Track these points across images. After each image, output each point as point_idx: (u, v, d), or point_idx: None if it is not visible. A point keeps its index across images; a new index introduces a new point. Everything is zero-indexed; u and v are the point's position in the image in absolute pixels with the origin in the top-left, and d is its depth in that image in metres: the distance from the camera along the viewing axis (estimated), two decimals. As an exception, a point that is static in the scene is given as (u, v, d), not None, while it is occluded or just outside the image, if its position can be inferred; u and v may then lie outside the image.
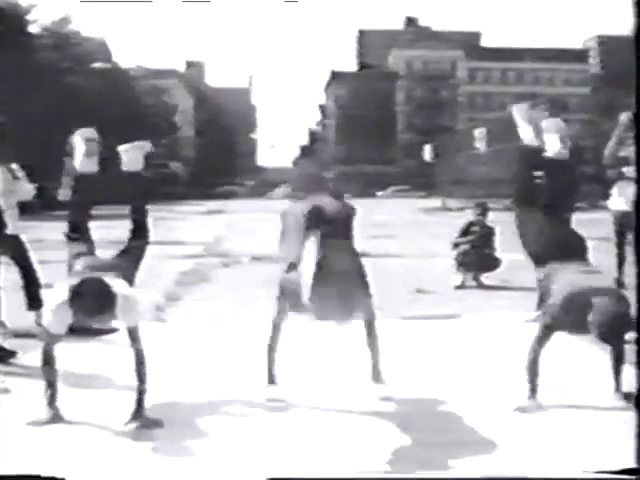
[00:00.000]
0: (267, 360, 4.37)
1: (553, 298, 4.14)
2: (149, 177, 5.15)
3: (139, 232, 4.79)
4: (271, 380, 4.37)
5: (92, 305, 3.77)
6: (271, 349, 4.36)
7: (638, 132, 3.83)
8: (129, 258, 4.63)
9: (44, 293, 6.15)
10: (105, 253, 4.69)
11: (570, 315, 3.98)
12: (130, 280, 4.39)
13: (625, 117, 6.11)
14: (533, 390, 4.13)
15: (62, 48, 42.16)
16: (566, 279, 4.15)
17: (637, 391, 3.65)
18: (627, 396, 4.08)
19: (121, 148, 4.91)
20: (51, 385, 3.96)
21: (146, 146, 5.01)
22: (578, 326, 3.98)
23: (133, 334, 4.00)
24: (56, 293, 3.94)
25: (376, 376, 4.44)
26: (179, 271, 10.15)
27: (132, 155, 4.89)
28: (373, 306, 4.33)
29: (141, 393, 3.96)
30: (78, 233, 4.64)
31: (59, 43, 42.13)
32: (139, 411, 3.93)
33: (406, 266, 10.90)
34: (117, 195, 5.09)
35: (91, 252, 4.57)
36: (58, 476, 3.15)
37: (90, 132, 4.85)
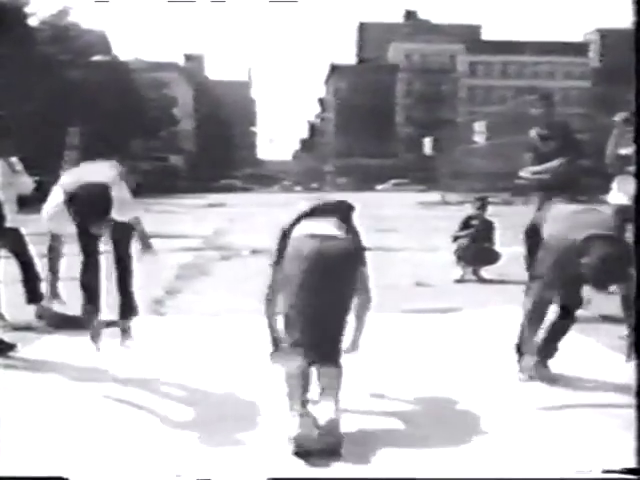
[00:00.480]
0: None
1: (545, 254, 4.12)
2: None
3: None
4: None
5: (88, 210, 4.01)
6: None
7: (638, 126, 3.82)
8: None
9: (42, 286, 6.18)
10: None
11: (565, 267, 3.94)
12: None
13: (620, 118, 6.13)
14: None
15: (61, 41, 42.07)
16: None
17: (637, 388, 3.61)
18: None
19: None
20: (54, 274, 4.41)
21: None
22: (573, 278, 3.92)
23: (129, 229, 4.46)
24: (54, 196, 4.21)
25: (354, 347, 4.18)
26: (179, 264, 10.15)
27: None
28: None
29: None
30: None
31: (58, 35, 42.04)
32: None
33: (406, 260, 10.90)
34: None
35: None
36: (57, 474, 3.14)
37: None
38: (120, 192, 4.41)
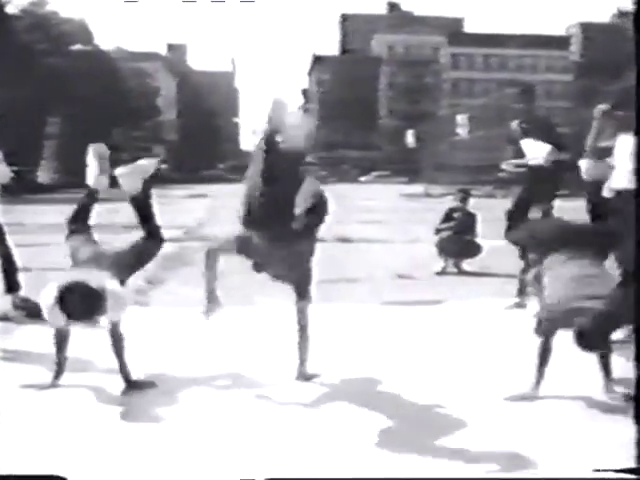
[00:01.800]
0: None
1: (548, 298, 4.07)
2: (147, 199, 5.08)
3: (150, 235, 4.94)
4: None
5: (79, 309, 3.98)
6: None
7: (638, 118, 3.83)
8: (133, 255, 4.73)
9: (22, 276, 6.15)
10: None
11: (564, 316, 3.87)
12: (125, 277, 4.52)
13: (598, 110, 6.16)
14: (538, 380, 4.02)
15: (41, 29, 41.63)
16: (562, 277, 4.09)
17: (636, 389, 3.56)
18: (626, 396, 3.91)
19: (118, 172, 4.88)
20: (59, 364, 4.27)
21: (149, 167, 5.00)
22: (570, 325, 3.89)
23: (114, 327, 4.24)
24: (48, 292, 4.11)
25: (302, 374, 4.35)
26: (161, 255, 10.08)
27: (129, 180, 4.88)
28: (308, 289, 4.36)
29: (123, 367, 4.24)
30: (78, 223, 4.85)
31: (37, 24, 41.58)
32: (129, 384, 4.22)
33: (387, 251, 10.92)
34: None
35: (91, 240, 4.78)
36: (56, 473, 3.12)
37: (102, 148, 5.03)
38: None
